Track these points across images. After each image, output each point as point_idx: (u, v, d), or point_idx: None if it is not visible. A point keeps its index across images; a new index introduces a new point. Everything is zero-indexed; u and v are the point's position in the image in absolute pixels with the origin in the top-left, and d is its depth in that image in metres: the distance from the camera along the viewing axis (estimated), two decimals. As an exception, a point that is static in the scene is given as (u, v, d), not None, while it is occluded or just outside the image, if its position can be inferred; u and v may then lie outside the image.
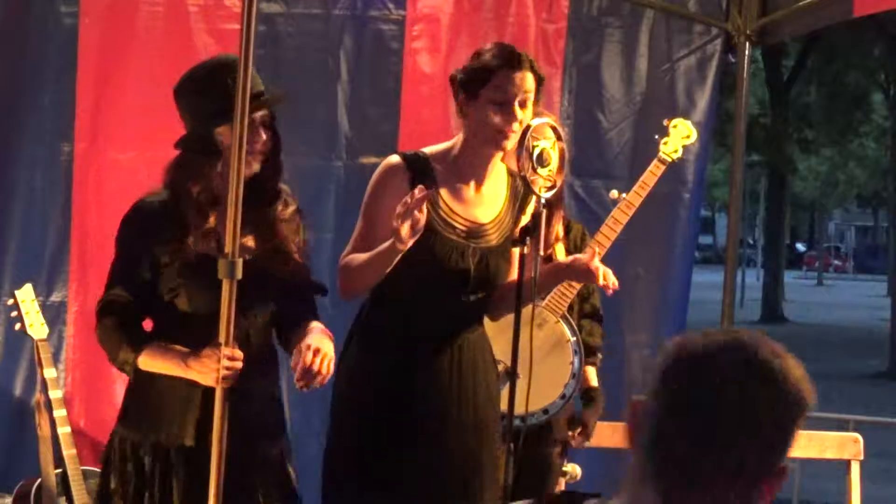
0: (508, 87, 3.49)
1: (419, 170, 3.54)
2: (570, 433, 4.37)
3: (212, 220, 3.26)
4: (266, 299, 3.36)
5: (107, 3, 5.42)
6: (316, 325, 3.36)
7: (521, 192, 3.63)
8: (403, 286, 3.52)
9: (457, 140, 3.61)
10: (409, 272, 3.47)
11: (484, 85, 3.50)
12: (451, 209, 3.55)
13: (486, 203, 3.61)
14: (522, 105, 3.50)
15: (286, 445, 3.51)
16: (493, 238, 3.59)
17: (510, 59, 3.51)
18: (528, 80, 3.51)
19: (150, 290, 3.23)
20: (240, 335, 3.15)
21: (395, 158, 3.59)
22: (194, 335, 3.19)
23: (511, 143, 3.50)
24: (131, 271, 3.23)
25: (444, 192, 3.55)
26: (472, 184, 3.59)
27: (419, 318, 3.56)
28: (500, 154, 3.59)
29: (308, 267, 3.45)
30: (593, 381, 4.43)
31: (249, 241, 3.28)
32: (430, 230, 3.46)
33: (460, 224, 3.55)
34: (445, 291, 3.55)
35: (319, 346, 3.20)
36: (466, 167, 3.58)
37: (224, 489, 3.07)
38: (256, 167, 3.28)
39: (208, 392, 3.19)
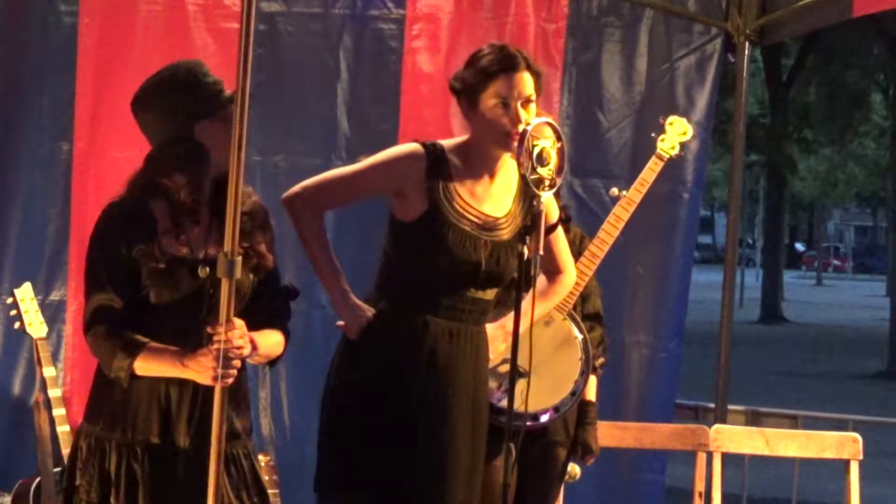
0: (509, 91, 3.52)
1: (436, 161, 3.58)
2: (576, 458, 4.35)
3: (195, 231, 3.24)
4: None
5: (106, 3, 5.43)
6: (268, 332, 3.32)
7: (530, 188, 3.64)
8: (414, 276, 3.57)
9: (468, 136, 3.63)
10: (421, 262, 3.53)
11: (484, 91, 3.54)
12: (465, 202, 3.58)
13: (497, 198, 3.64)
14: (525, 105, 3.53)
15: (252, 444, 3.49)
16: (506, 233, 3.61)
17: (506, 63, 3.54)
18: (526, 80, 3.53)
19: (132, 292, 3.20)
20: (206, 338, 3.13)
21: (417, 147, 3.61)
22: (164, 330, 3.19)
23: None
24: (113, 275, 3.20)
25: (458, 185, 3.59)
26: (485, 179, 3.63)
27: (426, 309, 3.57)
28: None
29: (277, 270, 3.40)
30: (591, 394, 4.38)
31: (215, 246, 3.24)
32: (444, 221, 3.53)
33: (474, 217, 3.58)
34: (455, 283, 3.57)
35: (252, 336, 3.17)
36: (478, 163, 3.62)
37: (194, 488, 3.09)
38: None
39: (172, 389, 3.22)
